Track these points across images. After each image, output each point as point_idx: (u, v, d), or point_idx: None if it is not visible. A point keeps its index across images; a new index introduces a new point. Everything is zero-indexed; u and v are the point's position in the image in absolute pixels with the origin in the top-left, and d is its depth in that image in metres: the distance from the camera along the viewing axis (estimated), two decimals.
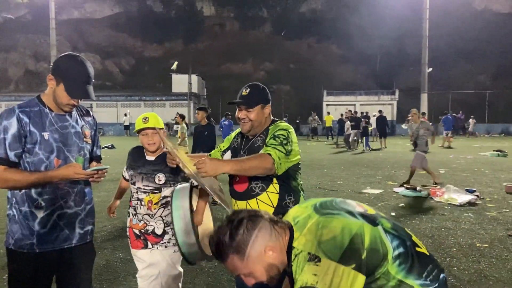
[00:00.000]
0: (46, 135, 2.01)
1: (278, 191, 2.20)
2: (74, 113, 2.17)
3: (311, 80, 44.20)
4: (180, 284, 2.87)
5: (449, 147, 19.14)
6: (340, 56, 52.74)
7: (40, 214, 2.02)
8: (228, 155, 2.42)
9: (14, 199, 2.04)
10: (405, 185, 8.32)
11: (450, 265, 4.13)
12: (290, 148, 2.14)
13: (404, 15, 42.23)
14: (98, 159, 2.36)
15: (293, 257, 1.42)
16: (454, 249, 4.63)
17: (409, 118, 9.23)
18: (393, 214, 6.30)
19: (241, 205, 2.26)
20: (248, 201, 2.23)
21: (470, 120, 30.01)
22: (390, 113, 37.20)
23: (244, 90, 2.28)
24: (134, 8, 60.79)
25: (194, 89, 40.77)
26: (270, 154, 2.05)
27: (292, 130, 2.25)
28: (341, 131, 21.05)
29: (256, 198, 2.21)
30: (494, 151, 15.46)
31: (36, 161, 2.00)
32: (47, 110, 2.06)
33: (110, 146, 19.71)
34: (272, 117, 2.38)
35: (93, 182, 2.11)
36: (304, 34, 55.79)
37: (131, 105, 39.87)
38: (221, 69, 52.26)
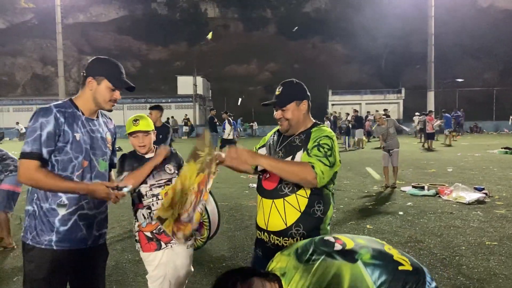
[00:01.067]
0: (77, 136, 2.08)
1: (308, 195, 2.08)
2: (101, 119, 2.26)
3: (316, 80, 44.09)
4: (186, 280, 2.91)
5: (449, 145, 19.05)
6: (345, 55, 52.62)
7: (62, 212, 2.06)
8: (263, 152, 2.33)
9: (35, 195, 2.07)
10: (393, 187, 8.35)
11: (459, 264, 4.11)
12: (334, 160, 2.04)
13: (409, 13, 42.03)
14: (114, 166, 2.44)
15: None
16: (463, 248, 4.60)
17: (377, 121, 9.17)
18: (400, 213, 6.27)
19: (266, 203, 2.16)
20: (274, 200, 2.12)
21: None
22: (396, 112, 37.05)
23: (277, 89, 2.20)
24: (139, 11, 61.13)
25: (199, 91, 40.88)
26: (313, 167, 1.95)
27: (335, 138, 2.15)
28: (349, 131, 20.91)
29: (284, 199, 2.09)
30: (502, 148, 15.34)
31: (66, 160, 2.06)
32: (80, 113, 2.13)
33: (117, 149, 19.76)
34: (312, 119, 2.28)
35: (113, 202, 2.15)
36: (309, 34, 55.69)
37: (137, 107, 40.07)
38: (226, 71, 52.35)
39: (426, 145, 17.98)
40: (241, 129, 32.88)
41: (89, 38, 57.97)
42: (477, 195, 6.95)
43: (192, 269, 2.90)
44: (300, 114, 2.18)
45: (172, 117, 36.08)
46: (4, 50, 52.09)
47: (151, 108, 6.21)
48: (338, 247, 1.60)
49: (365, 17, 46.32)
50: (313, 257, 1.57)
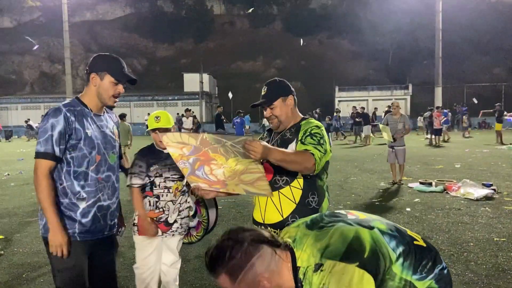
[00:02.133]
0: (89, 132, 2.17)
1: (302, 187, 2.16)
2: (106, 114, 2.35)
3: (323, 76, 44.03)
4: (178, 271, 3.05)
5: (445, 141, 19.01)
6: (351, 51, 52.38)
7: (82, 205, 2.16)
8: None
9: (60, 188, 2.16)
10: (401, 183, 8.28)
11: (467, 260, 4.08)
12: (326, 148, 2.13)
13: (417, 8, 41.71)
14: (121, 156, 2.52)
15: (301, 276, 1.38)
16: (471, 244, 4.57)
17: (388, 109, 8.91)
18: (408, 209, 6.24)
19: (262, 197, 2.23)
20: None
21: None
22: (403, 107, 36.84)
23: (263, 90, 2.30)
24: (145, 8, 61.23)
25: (206, 88, 40.95)
26: (313, 154, 2.04)
27: (323, 128, 2.24)
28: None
29: (279, 191, 2.17)
30: (511, 144, 15.20)
31: (80, 156, 2.15)
32: (88, 110, 2.22)
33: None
34: (300, 114, 2.37)
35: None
36: (315, 30, 55.50)
37: (144, 105, 40.26)
38: (232, 67, 52.35)
39: (433, 142, 17.86)
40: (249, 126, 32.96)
41: (95, 36, 58.24)
42: (485, 191, 6.90)
43: (180, 258, 3.05)
44: (288, 109, 2.28)
45: (178, 113, 36.30)
46: (12, 49, 52.50)
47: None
48: (351, 216, 1.55)
49: (372, 12, 46.07)
50: (327, 224, 1.49)
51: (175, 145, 2.02)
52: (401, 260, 1.39)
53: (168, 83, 49.27)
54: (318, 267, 1.34)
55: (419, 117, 30.20)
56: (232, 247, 1.36)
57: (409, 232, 1.54)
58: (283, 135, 2.27)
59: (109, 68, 2.19)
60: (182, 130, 13.94)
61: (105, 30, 59.49)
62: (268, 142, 2.34)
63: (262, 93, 2.29)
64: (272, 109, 2.25)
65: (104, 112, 2.33)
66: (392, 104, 9.15)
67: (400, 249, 1.42)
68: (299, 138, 2.17)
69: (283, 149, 2.06)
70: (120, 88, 2.23)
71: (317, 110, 27.47)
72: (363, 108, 21.89)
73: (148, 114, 35.13)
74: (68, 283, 2.15)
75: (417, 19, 42.67)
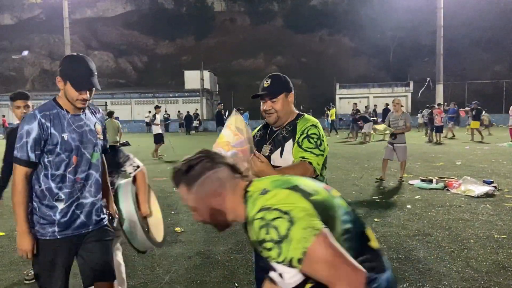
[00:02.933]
0: (65, 136, 2.18)
1: None
2: (87, 111, 2.34)
3: (324, 73, 43.95)
4: (124, 275, 3.15)
5: (451, 138, 19.08)
6: (352, 48, 52.29)
7: (61, 206, 2.20)
8: None
9: (34, 193, 2.21)
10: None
11: (468, 257, 4.09)
12: (324, 147, 2.15)
13: (418, 5, 41.58)
14: (106, 151, 2.52)
15: (248, 199, 1.41)
16: (472, 241, 4.58)
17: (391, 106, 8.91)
18: (408, 206, 6.25)
19: None
20: None
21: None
22: (404, 105, 36.78)
23: (265, 82, 2.26)
24: (146, 5, 61.18)
25: (206, 85, 40.91)
26: (310, 163, 2.07)
27: (319, 125, 2.25)
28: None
29: None
30: (511, 141, 15.18)
31: (57, 160, 2.18)
32: (64, 111, 2.22)
33: (125, 143, 19.91)
34: (296, 110, 2.36)
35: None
36: (316, 27, 55.37)
37: (144, 102, 40.24)
38: (233, 65, 52.29)
39: (435, 139, 17.84)
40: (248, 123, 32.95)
41: (96, 33, 58.19)
42: (486, 188, 6.90)
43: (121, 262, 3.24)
44: (289, 105, 2.27)
45: (179, 111, 36.32)
46: (13, 46, 52.49)
47: (12, 98, 3.80)
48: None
49: (373, 9, 45.96)
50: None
51: (233, 130, 2.09)
52: (343, 237, 1.33)
53: (169, 80, 49.23)
54: (265, 192, 1.37)
55: (419, 114, 30.21)
56: (195, 161, 1.47)
57: (367, 231, 1.46)
58: (279, 133, 2.26)
59: (70, 76, 2.16)
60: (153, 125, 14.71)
61: (105, 27, 59.43)
62: (261, 139, 2.34)
63: (265, 85, 2.25)
64: (273, 102, 2.22)
65: (85, 110, 2.30)
66: (393, 101, 9.11)
67: (348, 226, 1.37)
68: (296, 138, 2.17)
69: (281, 168, 2.07)
70: (84, 94, 2.18)
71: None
72: (366, 107, 21.80)
73: (149, 111, 35.16)
74: (47, 281, 2.22)
75: (418, 16, 42.54)
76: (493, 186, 7.14)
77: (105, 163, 2.53)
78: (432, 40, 33.30)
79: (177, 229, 5.25)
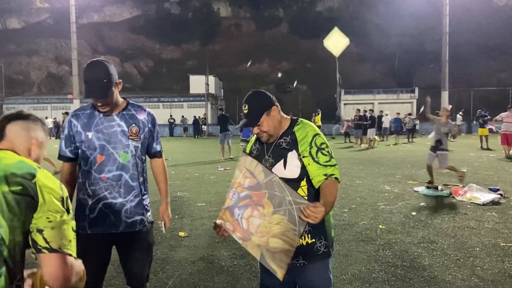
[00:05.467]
0: (90, 134, 2.31)
1: (306, 194, 2.11)
2: (124, 113, 2.40)
3: (329, 79, 43.95)
4: None
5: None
6: (357, 54, 52.28)
7: (90, 202, 2.34)
8: None
9: (77, 187, 2.42)
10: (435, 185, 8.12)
11: (473, 265, 4.05)
12: (333, 154, 2.14)
13: (423, 11, 41.59)
14: (157, 154, 2.57)
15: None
16: (478, 249, 4.54)
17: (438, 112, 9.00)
18: (413, 213, 6.21)
19: None
20: None
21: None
22: (410, 111, 36.69)
23: (244, 108, 2.16)
24: (152, 10, 61.60)
25: (211, 90, 41.01)
26: (336, 178, 2.06)
27: (319, 130, 2.21)
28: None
29: None
30: None
31: (83, 156, 2.35)
32: (97, 112, 2.35)
33: None
34: (286, 116, 2.27)
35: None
36: (321, 33, 55.33)
37: (149, 106, 40.36)
38: (238, 70, 52.42)
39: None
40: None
41: (103, 38, 58.60)
42: (492, 196, 6.85)
43: None
44: (275, 121, 2.16)
45: (183, 116, 36.53)
46: (20, 50, 52.96)
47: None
48: None
49: (378, 15, 45.98)
50: None
51: (244, 172, 2.04)
52: None
53: (174, 85, 49.41)
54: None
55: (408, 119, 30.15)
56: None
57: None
58: (279, 145, 2.18)
59: (84, 83, 2.26)
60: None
61: (112, 31, 59.85)
62: (260, 153, 2.25)
63: (244, 111, 2.17)
64: (259, 126, 2.15)
65: (122, 111, 2.38)
66: (442, 109, 9.25)
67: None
68: (306, 153, 2.09)
69: (327, 200, 1.98)
70: (98, 101, 2.30)
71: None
72: (371, 110, 21.77)
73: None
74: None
75: (423, 23, 42.52)
76: (499, 194, 7.08)
77: (157, 168, 2.59)
78: (437, 47, 33.22)
79: (181, 233, 5.24)
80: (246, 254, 4.44)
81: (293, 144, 2.13)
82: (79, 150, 2.34)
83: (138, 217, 2.41)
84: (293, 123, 2.21)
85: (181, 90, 45.17)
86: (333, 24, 54.95)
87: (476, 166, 11.61)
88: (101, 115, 2.33)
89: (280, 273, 1.93)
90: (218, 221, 2.10)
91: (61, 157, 2.41)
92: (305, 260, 2.09)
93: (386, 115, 25.79)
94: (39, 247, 1.31)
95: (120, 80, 2.37)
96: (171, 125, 35.37)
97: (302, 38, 55.65)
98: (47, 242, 1.31)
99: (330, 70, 47.55)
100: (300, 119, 2.27)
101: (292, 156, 2.12)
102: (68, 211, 1.40)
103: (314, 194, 2.12)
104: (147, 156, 2.53)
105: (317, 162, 2.06)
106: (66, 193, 1.43)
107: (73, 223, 1.42)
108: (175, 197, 7.60)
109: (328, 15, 57.50)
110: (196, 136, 32.71)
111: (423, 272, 3.88)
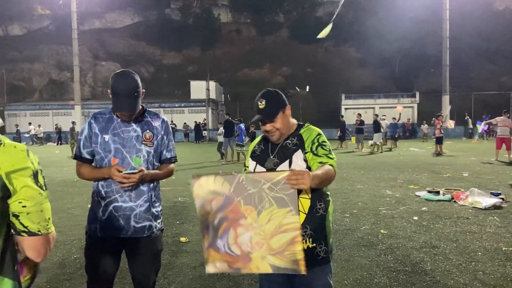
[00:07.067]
0: (106, 137, 2.37)
1: (310, 197, 2.13)
2: (140, 119, 2.46)
3: (329, 84, 44.01)
4: None
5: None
6: (358, 59, 52.36)
7: (103, 203, 2.38)
8: (252, 165, 2.33)
9: (92, 189, 2.46)
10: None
11: (475, 270, 4.04)
12: (334, 154, 2.19)
13: (424, 16, 41.68)
14: (166, 161, 2.55)
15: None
16: (480, 253, 4.53)
17: None
18: (415, 218, 6.20)
19: None
20: None
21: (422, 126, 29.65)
22: (410, 115, 36.70)
23: (259, 103, 2.17)
24: (153, 17, 61.74)
25: (212, 95, 41.08)
26: (332, 165, 2.08)
27: (322, 133, 2.28)
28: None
29: None
30: None
31: (98, 158, 2.41)
32: (115, 117, 2.41)
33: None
34: (294, 120, 2.33)
35: (127, 185, 2.32)
36: (322, 38, 55.52)
37: None
38: (239, 75, 52.51)
39: (438, 149, 17.64)
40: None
41: (104, 44, 58.77)
42: (493, 200, 6.84)
43: None
44: (288, 120, 2.24)
45: (185, 123, 36.68)
46: (22, 56, 53.14)
47: None
48: None
49: (379, 20, 46.07)
50: None
51: (206, 196, 1.90)
52: None
53: (175, 91, 49.49)
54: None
55: (422, 125, 30.14)
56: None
57: None
58: (284, 146, 2.21)
59: (112, 94, 2.30)
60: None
61: (113, 38, 60.05)
62: (264, 153, 2.27)
63: (260, 106, 2.17)
64: (273, 123, 2.18)
65: (140, 118, 2.43)
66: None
67: None
68: (308, 149, 2.14)
69: (317, 172, 1.99)
70: (122, 114, 2.37)
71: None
72: (376, 115, 21.66)
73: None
74: (88, 272, 2.44)
75: (424, 27, 42.59)
76: (500, 198, 7.07)
77: (162, 167, 2.52)
78: (438, 51, 33.27)
79: (182, 239, 5.24)
80: None
81: (299, 144, 2.18)
82: (95, 152, 2.40)
83: (147, 223, 2.41)
84: (300, 126, 2.29)
85: (182, 96, 45.24)
86: (333, 29, 55.21)
87: (478, 170, 11.59)
88: (119, 120, 2.40)
89: (300, 267, 1.81)
90: (209, 269, 1.97)
91: (77, 157, 2.44)
92: (305, 265, 2.09)
93: (383, 119, 25.72)
94: (18, 230, 1.28)
95: (144, 90, 2.42)
96: (172, 130, 35.57)
97: (302, 43, 55.74)
98: (24, 227, 1.28)
99: (331, 74, 47.68)
100: (307, 123, 2.34)
101: (297, 156, 2.15)
102: (42, 188, 1.31)
103: (317, 195, 2.15)
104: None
105: (316, 154, 2.13)
106: (36, 165, 1.32)
107: (47, 194, 1.34)
108: (176, 202, 7.60)
109: (328, 20, 57.22)
110: (197, 141, 33.00)
111: (425, 277, 3.87)
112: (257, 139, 2.41)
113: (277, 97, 2.23)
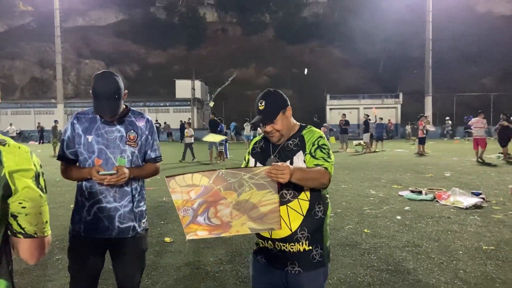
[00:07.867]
0: (90, 138, 2.34)
1: (309, 198, 2.10)
2: (124, 119, 2.43)
3: (314, 84, 44.23)
4: None
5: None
6: (343, 60, 52.77)
7: (87, 204, 2.36)
8: (252, 163, 2.30)
9: (76, 189, 2.43)
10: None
11: (456, 268, 4.11)
12: (333, 158, 2.15)
13: (407, 18, 42.25)
14: (151, 161, 2.52)
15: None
16: (461, 252, 4.61)
17: None
18: (398, 217, 6.28)
19: None
20: None
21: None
22: (394, 116, 37.15)
23: (259, 104, 2.14)
24: (138, 15, 61.16)
25: (198, 95, 40.90)
26: (326, 168, 2.04)
27: (325, 136, 2.24)
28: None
29: (287, 205, 2.08)
30: (500, 153, 15.38)
31: (82, 159, 2.37)
32: (98, 117, 2.37)
33: None
34: (295, 121, 2.29)
35: (108, 185, 2.30)
36: (307, 39, 55.83)
37: None
38: (224, 74, 52.37)
39: (421, 149, 17.87)
40: (233, 134, 33.06)
41: (88, 42, 57.99)
42: (474, 200, 6.97)
43: None
44: (288, 121, 2.20)
45: (165, 122, 36.53)
46: (3, 53, 52.06)
47: None
48: None
49: (363, 22, 46.51)
50: None
51: (181, 190, 1.88)
52: None
53: (160, 90, 49.11)
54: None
55: (407, 125, 30.57)
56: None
57: None
58: (286, 147, 2.19)
59: (93, 96, 2.26)
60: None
61: (97, 36, 59.28)
62: (264, 152, 2.25)
63: (260, 107, 2.14)
64: (273, 124, 2.15)
65: (121, 118, 2.39)
66: None
67: None
68: (308, 150, 2.12)
69: (302, 167, 2.01)
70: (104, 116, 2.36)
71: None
72: (367, 115, 21.63)
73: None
74: (71, 272, 2.43)
75: (407, 29, 43.17)
76: (481, 198, 7.21)
77: (145, 166, 2.50)
78: (421, 53, 33.76)
79: (167, 239, 5.20)
80: (232, 260, 4.43)
81: (300, 145, 2.16)
82: (78, 152, 2.37)
83: (131, 223, 2.40)
84: (302, 128, 2.25)
85: (167, 95, 44.90)
86: (318, 30, 55.65)
87: (459, 170, 11.80)
88: (103, 120, 2.37)
89: (277, 226, 1.93)
90: (189, 237, 1.97)
91: (61, 158, 2.40)
92: (300, 267, 2.08)
93: (369, 120, 25.90)
94: (14, 231, 1.28)
95: (126, 91, 2.38)
96: (157, 129, 35.25)
97: (288, 43, 55.95)
98: (22, 228, 1.28)
99: (316, 75, 47.92)
100: (309, 125, 2.29)
101: (298, 157, 2.14)
102: (42, 190, 1.33)
103: (316, 198, 2.13)
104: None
105: (313, 156, 2.10)
106: (38, 167, 1.34)
107: (47, 197, 1.35)
108: (161, 202, 7.56)
109: (313, 20, 57.91)
110: (182, 140, 32.68)
111: (408, 276, 3.92)
112: (257, 138, 2.40)
113: (278, 97, 2.20)
